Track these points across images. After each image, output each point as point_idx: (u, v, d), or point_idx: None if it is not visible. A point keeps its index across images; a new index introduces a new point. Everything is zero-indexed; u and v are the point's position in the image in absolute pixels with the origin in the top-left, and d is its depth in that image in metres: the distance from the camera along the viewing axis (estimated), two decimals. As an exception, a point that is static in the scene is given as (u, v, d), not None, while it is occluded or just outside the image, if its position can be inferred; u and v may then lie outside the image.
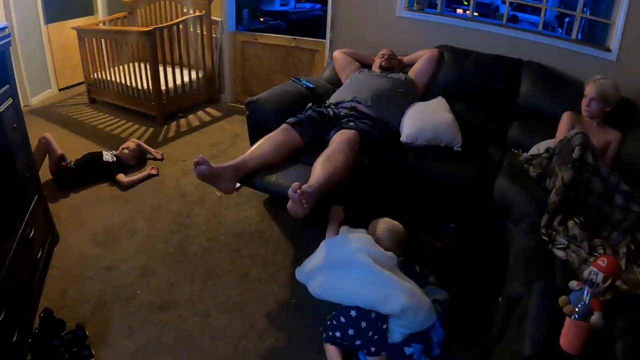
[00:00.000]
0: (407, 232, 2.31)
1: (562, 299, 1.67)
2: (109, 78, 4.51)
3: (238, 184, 2.55)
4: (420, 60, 3.43)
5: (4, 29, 2.21)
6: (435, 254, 2.63)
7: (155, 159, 3.78)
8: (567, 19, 5.25)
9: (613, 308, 1.64)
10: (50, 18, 4.83)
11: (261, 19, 6.03)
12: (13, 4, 4.25)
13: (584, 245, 2.06)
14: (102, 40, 4.43)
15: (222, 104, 4.97)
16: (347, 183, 2.44)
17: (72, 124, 4.36)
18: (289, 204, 2.14)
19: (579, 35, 3.53)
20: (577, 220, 2.17)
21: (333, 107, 3.02)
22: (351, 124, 2.75)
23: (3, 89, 2.19)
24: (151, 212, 3.08)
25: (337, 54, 3.65)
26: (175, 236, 2.86)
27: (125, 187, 3.36)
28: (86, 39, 4.47)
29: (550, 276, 1.95)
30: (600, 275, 1.64)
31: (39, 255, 2.38)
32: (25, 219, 2.27)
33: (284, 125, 2.73)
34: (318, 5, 6.97)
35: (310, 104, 3.06)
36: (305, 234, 2.91)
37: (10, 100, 2.26)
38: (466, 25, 3.61)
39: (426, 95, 3.34)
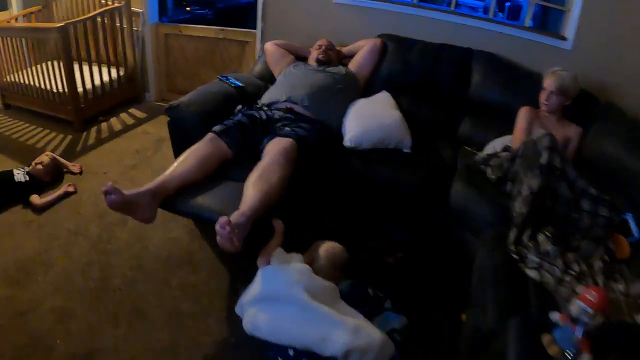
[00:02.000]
0: (348, 255, 2.02)
1: (546, 339, 1.45)
2: (22, 81, 3.98)
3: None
4: (362, 51, 3.13)
5: None
6: (388, 271, 2.37)
7: (72, 173, 3.34)
8: (507, 4, 5.03)
9: (600, 341, 1.43)
10: (-40, 15, 4.23)
11: (187, 8, 5.59)
12: None
13: (558, 263, 1.84)
14: (13, 39, 3.90)
15: (147, 103, 4.54)
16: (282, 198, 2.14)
17: (-19, 134, 3.85)
18: (219, 239, 1.81)
19: (531, 22, 3.30)
20: (547, 234, 1.94)
21: (266, 109, 2.69)
22: (287, 129, 2.44)
23: None
24: (68, 239, 2.69)
25: (268, 45, 3.30)
26: (94, 267, 2.47)
27: (39, 209, 2.94)
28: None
29: (525, 301, 1.73)
30: (591, 312, 1.43)
31: None
32: None
33: (209, 134, 2.39)
34: (249, -8, 6.53)
35: (239, 107, 2.71)
36: (242, 255, 2.56)
37: None
38: (410, 11, 3.31)
39: (368, 90, 3.05)
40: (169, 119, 2.70)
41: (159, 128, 4.04)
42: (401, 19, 3.31)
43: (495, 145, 2.58)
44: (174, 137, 2.72)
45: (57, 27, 3.55)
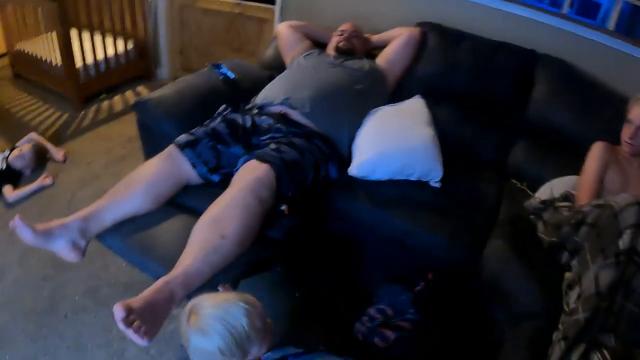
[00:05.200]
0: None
1: None
2: (28, 51, 3.59)
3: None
4: (395, 43, 2.46)
5: None
6: (388, 347, 1.78)
7: (55, 160, 2.95)
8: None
9: None
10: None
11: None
12: None
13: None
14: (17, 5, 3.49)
15: (158, 80, 4.00)
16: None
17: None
18: None
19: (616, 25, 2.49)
20: (606, 355, 1.30)
21: (255, 112, 2.10)
22: (270, 148, 1.85)
23: None
24: (26, 245, 2.28)
25: (282, 27, 2.65)
26: (47, 285, 2.14)
27: (11, 203, 2.60)
28: (9, 4, 3.52)
29: None
30: None
31: None
32: None
33: (170, 147, 1.84)
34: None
35: (222, 108, 2.13)
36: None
37: None
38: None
39: (398, 92, 2.41)
40: (137, 118, 2.17)
41: (162, 112, 3.57)
42: (447, 4, 2.62)
43: (553, 188, 1.92)
44: (145, 142, 2.20)
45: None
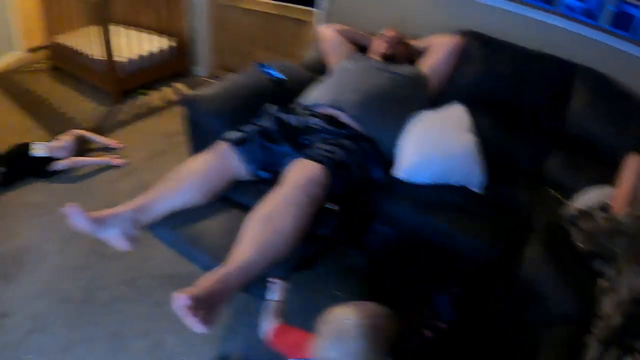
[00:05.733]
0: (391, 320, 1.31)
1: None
2: (68, 43, 3.69)
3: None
4: (440, 51, 2.46)
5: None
6: (425, 347, 1.80)
7: (110, 148, 3.04)
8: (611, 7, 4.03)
9: None
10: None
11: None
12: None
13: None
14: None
15: (195, 78, 4.08)
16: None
17: (21, 97, 3.60)
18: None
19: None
20: None
21: (302, 112, 2.14)
22: (320, 148, 1.89)
23: None
24: (67, 233, 2.35)
25: (325, 30, 2.66)
26: (86, 273, 2.17)
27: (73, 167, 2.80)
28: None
29: None
30: None
31: None
32: None
33: (221, 143, 1.90)
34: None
35: (271, 106, 2.17)
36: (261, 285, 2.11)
37: None
38: (503, 5, 2.60)
39: (437, 100, 2.42)
40: (186, 114, 2.22)
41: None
42: (488, 14, 2.64)
43: (590, 198, 1.93)
44: (192, 137, 2.25)
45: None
